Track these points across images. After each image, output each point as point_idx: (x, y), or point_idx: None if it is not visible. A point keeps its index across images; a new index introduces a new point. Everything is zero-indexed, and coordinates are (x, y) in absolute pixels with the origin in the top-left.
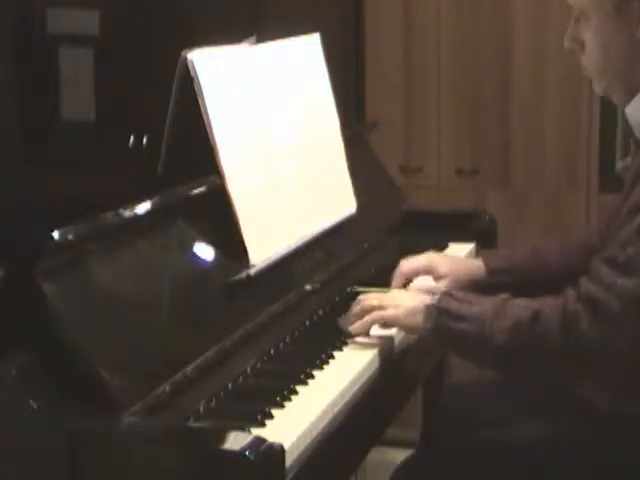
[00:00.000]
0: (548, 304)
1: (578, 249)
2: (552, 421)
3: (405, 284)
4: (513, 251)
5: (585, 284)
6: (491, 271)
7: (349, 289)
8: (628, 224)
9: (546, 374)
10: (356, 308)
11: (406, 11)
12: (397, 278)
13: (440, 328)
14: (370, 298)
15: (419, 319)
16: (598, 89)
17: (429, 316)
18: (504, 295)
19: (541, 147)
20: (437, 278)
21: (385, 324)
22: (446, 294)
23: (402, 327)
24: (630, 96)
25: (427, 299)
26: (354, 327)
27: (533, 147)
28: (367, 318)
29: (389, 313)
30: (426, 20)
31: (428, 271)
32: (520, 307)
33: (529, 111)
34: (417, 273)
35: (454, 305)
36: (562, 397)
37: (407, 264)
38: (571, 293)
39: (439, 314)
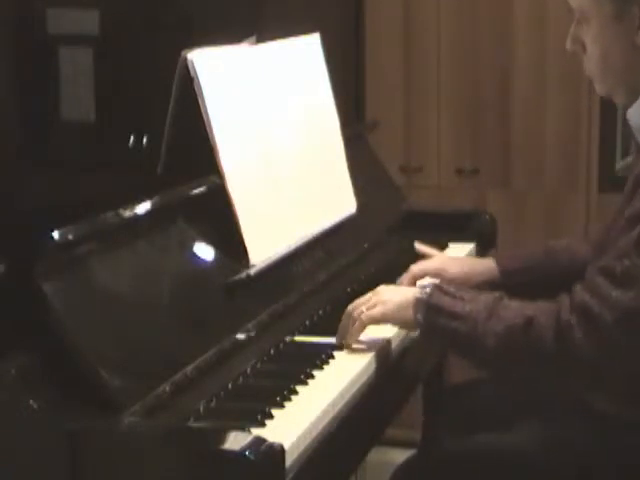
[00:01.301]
0: (542, 310)
1: (589, 247)
2: (552, 424)
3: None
4: (525, 251)
5: (580, 293)
6: (505, 272)
7: (349, 289)
8: (627, 234)
9: (538, 379)
10: (345, 319)
11: (406, 11)
12: (405, 279)
13: (431, 324)
14: (357, 303)
15: (410, 313)
16: (600, 91)
17: (419, 309)
18: (497, 294)
19: (541, 147)
20: (446, 281)
21: (376, 323)
22: (437, 288)
23: (393, 322)
24: (632, 98)
25: (416, 292)
26: (348, 338)
27: (533, 147)
28: (357, 324)
29: (377, 311)
30: (426, 20)
31: (437, 274)
32: (513, 311)
33: (529, 111)
34: (426, 275)
35: (446, 301)
36: (561, 400)
37: (418, 265)
38: (565, 301)
39: (430, 310)
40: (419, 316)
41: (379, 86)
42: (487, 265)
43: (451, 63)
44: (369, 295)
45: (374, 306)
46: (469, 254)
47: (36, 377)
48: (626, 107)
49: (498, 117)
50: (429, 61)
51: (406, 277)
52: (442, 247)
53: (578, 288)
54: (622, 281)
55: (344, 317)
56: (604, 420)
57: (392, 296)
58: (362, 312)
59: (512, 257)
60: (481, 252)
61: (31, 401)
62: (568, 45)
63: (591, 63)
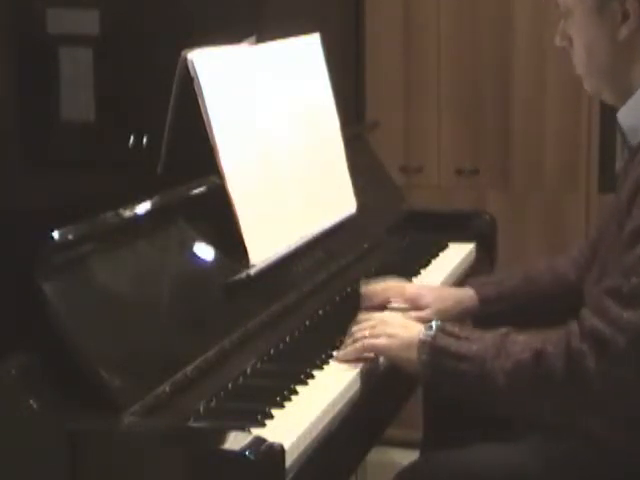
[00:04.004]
0: (550, 342)
1: (570, 268)
2: (553, 441)
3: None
4: (503, 277)
5: (589, 319)
6: (484, 300)
7: (349, 289)
8: (631, 251)
9: (550, 417)
10: (350, 335)
11: (406, 11)
12: (376, 300)
13: (436, 366)
14: (364, 326)
15: (413, 354)
16: (588, 88)
17: (423, 351)
18: (504, 330)
19: (541, 147)
20: (421, 308)
21: (377, 353)
22: (441, 330)
23: (393, 359)
24: (620, 99)
25: (421, 332)
26: (344, 352)
27: (533, 147)
28: (358, 345)
29: (381, 343)
30: (426, 20)
31: (413, 300)
32: (521, 345)
33: (529, 111)
34: (400, 300)
35: (452, 343)
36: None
37: (393, 289)
38: (574, 329)
39: (435, 352)
40: (424, 357)
41: (379, 86)
42: (465, 293)
43: (451, 63)
44: (376, 321)
45: (379, 336)
46: (469, 254)
47: (36, 377)
48: (613, 107)
49: (498, 117)
50: (429, 61)
51: (377, 300)
52: (442, 247)
53: (586, 313)
54: (631, 300)
55: (347, 338)
56: (606, 444)
57: (399, 331)
58: (365, 337)
59: (491, 284)
60: (481, 252)
61: (31, 401)
62: (557, 41)
63: (577, 58)
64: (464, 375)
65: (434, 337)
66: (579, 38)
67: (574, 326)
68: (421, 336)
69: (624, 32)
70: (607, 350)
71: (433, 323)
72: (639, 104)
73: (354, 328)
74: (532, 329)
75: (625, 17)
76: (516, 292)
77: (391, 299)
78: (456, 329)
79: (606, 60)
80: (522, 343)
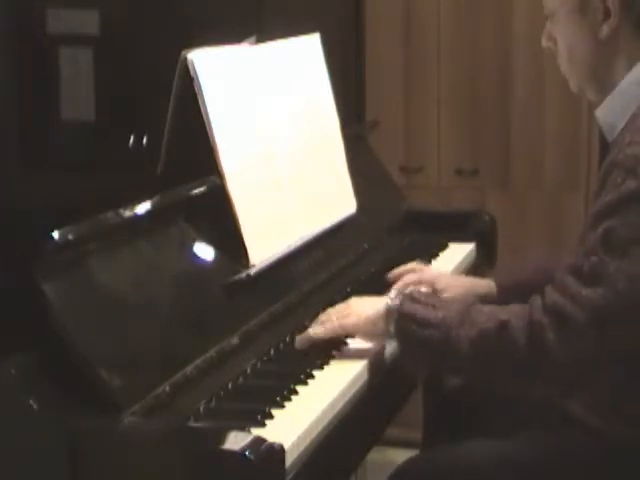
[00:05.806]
0: (514, 313)
1: None
2: (552, 436)
3: None
4: (521, 267)
5: (550, 294)
6: (501, 288)
7: (349, 289)
8: (593, 231)
9: (510, 386)
10: (317, 322)
11: (406, 11)
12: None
13: (402, 333)
14: (332, 311)
15: (381, 325)
16: (573, 87)
17: (391, 320)
18: (469, 300)
19: (541, 147)
20: (437, 291)
21: (347, 333)
22: (408, 297)
23: (364, 335)
24: (603, 97)
25: (387, 302)
26: (314, 330)
27: (533, 147)
28: (328, 325)
29: (350, 321)
30: (426, 20)
31: (428, 284)
32: (486, 315)
33: (529, 111)
34: (420, 284)
35: (418, 309)
36: (558, 414)
37: (411, 276)
38: (537, 303)
39: (401, 318)
40: (391, 326)
41: (379, 86)
42: (483, 282)
43: (451, 63)
44: (342, 305)
45: (347, 316)
46: (469, 254)
47: (36, 377)
48: (596, 105)
49: (498, 117)
50: (429, 61)
51: (400, 285)
52: (442, 247)
53: (549, 289)
54: (590, 279)
55: (314, 324)
56: (603, 438)
57: (365, 308)
58: (333, 321)
59: (508, 273)
60: (481, 252)
61: (31, 401)
62: (543, 42)
63: (561, 58)
64: (429, 341)
65: (401, 304)
66: (562, 38)
67: (537, 300)
68: (388, 306)
69: (605, 30)
70: (566, 324)
71: (399, 293)
72: (616, 101)
73: (321, 316)
74: None
75: (606, 15)
76: (526, 282)
77: (408, 282)
78: (422, 297)
79: (589, 59)
80: (487, 313)
